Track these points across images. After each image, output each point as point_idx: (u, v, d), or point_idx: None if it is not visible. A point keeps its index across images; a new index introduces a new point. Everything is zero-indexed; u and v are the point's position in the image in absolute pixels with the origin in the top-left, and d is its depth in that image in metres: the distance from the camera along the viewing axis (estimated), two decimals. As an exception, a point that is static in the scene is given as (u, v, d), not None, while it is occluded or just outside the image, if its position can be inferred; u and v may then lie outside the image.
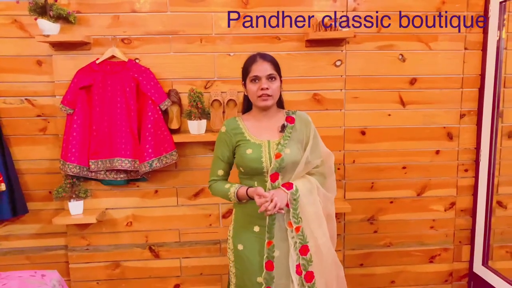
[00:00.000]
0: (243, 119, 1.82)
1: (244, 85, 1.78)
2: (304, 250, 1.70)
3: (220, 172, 1.81)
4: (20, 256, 2.59)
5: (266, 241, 1.72)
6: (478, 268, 2.69)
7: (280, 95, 1.82)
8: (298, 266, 1.71)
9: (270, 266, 1.71)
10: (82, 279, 2.59)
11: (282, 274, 1.72)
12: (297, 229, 1.70)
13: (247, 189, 1.69)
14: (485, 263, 2.64)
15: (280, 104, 1.85)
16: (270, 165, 1.69)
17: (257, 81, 1.71)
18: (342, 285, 1.84)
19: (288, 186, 1.68)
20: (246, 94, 1.80)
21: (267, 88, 1.69)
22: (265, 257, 1.72)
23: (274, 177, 1.70)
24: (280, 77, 1.77)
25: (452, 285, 2.81)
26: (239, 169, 1.79)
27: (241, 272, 1.78)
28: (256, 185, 1.71)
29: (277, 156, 1.68)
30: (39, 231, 2.57)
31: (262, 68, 1.70)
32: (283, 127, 1.75)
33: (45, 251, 2.60)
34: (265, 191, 1.64)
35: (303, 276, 1.70)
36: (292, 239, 1.70)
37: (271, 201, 1.57)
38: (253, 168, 1.71)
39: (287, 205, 1.67)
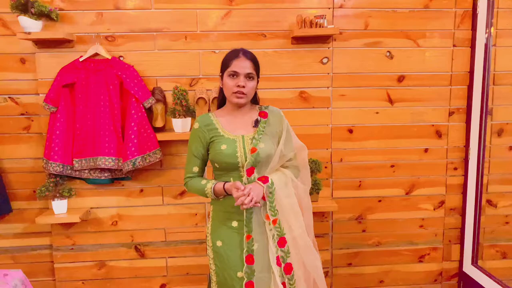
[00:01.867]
0: (216, 115, 1.82)
1: (222, 77, 1.76)
2: (282, 242, 1.73)
3: (195, 169, 1.81)
4: (4, 256, 2.56)
5: (245, 235, 1.72)
6: (468, 268, 2.66)
7: (256, 93, 1.82)
8: (278, 257, 1.73)
9: (250, 259, 1.72)
10: (67, 279, 2.57)
11: (263, 267, 1.74)
12: (274, 221, 1.72)
13: (224, 184, 1.69)
14: (474, 262, 2.62)
15: (254, 101, 1.85)
16: (246, 160, 1.70)
17: (235, 77, 1.71)
18: (320, 275, 1.84)
19: (264, 179, 1.70)
20: (221, 87, 1.78)
21: (243, 87, 1.70)
22: (244, 251, 1.72)
23: (249, 172, 1.71)
24: (258, 76, 1.78)
25: (442, 285, 2.78)
26: (214, 166, 1.79)
27: (221, 268, 1.78)
28: (232, 180, 1.71)
29: (253, 150, 1.70)
30: (23, 230, 2.55)
31: (243, 65, 1.70)
32: (256, 122, 1.77)
33: (30, 251, 2.57)
34: None
35: (282, 267, 1.73)
36: (270, 232, 1.73)
37: (248, 195, 1.58)
38: (229, 164, 1.71)
39: (263, 198, 1.69)
